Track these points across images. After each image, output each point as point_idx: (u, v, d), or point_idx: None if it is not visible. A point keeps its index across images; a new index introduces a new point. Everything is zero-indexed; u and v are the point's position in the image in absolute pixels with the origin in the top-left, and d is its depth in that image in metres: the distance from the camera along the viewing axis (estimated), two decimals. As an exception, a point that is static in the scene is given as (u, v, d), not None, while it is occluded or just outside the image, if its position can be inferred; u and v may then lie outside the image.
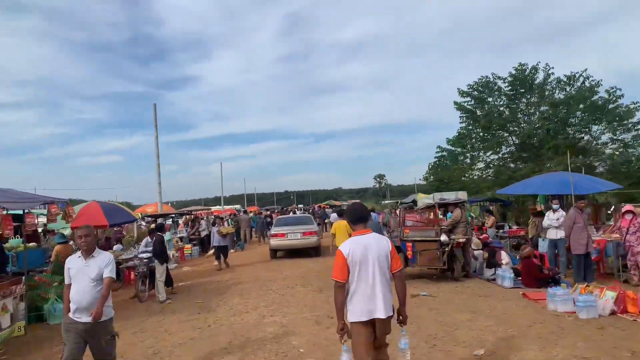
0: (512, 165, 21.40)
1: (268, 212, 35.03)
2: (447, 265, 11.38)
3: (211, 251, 16.75)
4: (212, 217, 27.40)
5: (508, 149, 21.42)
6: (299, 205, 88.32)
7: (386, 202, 70.44)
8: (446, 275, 11.89)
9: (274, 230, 18.66)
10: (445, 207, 13.03)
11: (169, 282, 12.34)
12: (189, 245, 20.37)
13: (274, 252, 18.40)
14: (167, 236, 18.75)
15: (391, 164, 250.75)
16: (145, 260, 12.00)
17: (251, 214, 29.93)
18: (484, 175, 22.20)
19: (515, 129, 20.61)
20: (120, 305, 11.17)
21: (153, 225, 14.07)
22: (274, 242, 18.19)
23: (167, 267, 12.32)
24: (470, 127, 21.51)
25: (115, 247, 15.82)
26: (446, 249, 11.31)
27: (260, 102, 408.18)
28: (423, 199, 13.47)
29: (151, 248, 11.87)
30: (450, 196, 12.67)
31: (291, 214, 36.66)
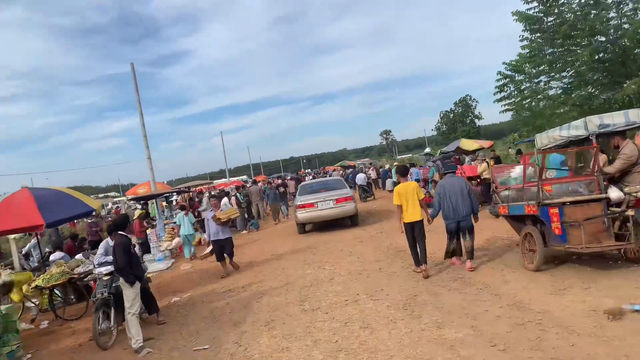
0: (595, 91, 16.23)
1: (280, 181, 29.63)
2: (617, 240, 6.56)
3: (208, 249, 11.24)
4: (215, 192, 22.54)
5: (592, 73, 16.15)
6: (307, 170, 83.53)
7: (423, 153, 65.59)
8: (613, 257, 7.12)
9: (300, 200, 15.16)
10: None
11: (150, 305, 7.64)
12: (198, 237, 15.30)
13: (302, 227, 15.46)
14: (186, 220, 14.08)
15: (395, 119, 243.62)
16: (105, 279, 7.24)
17: (260, 184, 25.04)
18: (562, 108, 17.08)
19: (603, 38, 15.39)
20: (64, 354, 6.56)
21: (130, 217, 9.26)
22: (301, 214, 14.85)
23: (146, 280, 7.64)
24: (540, 42, 16.21)
25: (79, 256, 11.04)
26: (619, 213, 6.46)
27: (257, 69, 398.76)
28: (549, 132, 8.39)
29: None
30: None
31: (307, 179, 31.81)
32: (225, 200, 19.60)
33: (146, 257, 14.04)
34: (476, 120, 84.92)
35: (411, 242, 8.06)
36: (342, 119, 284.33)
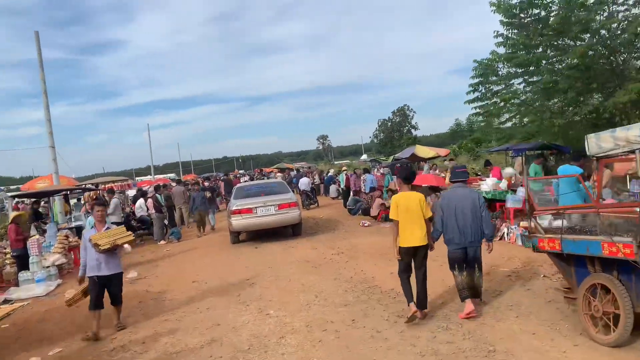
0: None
1: (210, 183, 25.35)
2: None
3: (78, 287, 6.94)
4: (129, 190, 18.93)
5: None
6: (241, 171, 79.74)
7: (362, 159, 63.83)
8: None
9: (235, 204, 12.84)
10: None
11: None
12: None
13: (236, 236, 13.26)
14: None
15: (331, 125, 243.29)
16: None
17: (187, 185, 21.50)
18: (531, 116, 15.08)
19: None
20: None
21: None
22: (237, 221, 12.60)
23: None
24: (517, 39, 14.13)
25: None
26: None
27: (193, 65, 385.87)
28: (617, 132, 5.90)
29: None
30: None
31: (242, 180, 28.55)
32: (140, 202, 16.09)
33: (22, 275, 10.44)
34: (413, 131, 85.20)
35: (405, 275, 5.92)
36: (279, 121, 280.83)
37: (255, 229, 12.87)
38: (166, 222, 16.08)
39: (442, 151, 19.68)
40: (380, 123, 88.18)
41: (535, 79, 14.24)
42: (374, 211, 14.78)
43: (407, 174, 6.47)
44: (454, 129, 66.72)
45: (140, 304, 8.03)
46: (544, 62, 13.04)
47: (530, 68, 13.93)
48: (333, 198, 24.52)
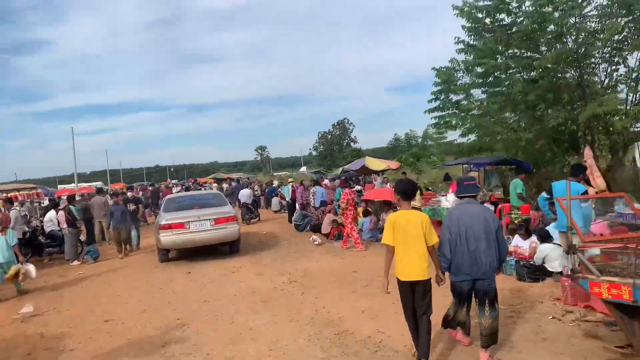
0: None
1: (133, 193, 21.97)
2: None
3: None
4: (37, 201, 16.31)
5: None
6: (174, 181, 75.97)
7: (304, 171, 62.01)
8: None
9: (165, 218, 11.32)
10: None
11: None
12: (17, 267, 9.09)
13: (165, 254, 11.62)
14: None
15: (270, 136, 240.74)
16: None
17: (107, 197, 18.94)
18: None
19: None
20: None
21: None
22: (166, 237, 11.06)
23: None
24: (481, 46, 13.11)
25: None
26: None
27: (127, 70, 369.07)
28: None
29: None
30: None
31: (174, 190, 26.09)
32: (50, 214, 13.59)
33: None
34: (352, 144, 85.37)
35: (412, 319, 4.66)
36: (216, 131, 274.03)
37: (189, 246, 11.26)
38: (82, 238, 13.65)
39: (393, 164, 18.53)
40: (320, 135, 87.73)
41: (499, 88, 13.20)
42: (325, 228, 13.19)
43: (406, 187, 4.95)
44: (393, 144, 67.18)
45: (28, 358, 5.91)
46: (512, 68, 11.97)
47: (497, 74, 12.87)
48: (275, 212, 22.84)
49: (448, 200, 12.64)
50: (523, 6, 12.71)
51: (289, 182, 19.20)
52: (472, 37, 13.86)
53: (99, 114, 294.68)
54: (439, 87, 14.25)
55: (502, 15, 12.97)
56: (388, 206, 14.25)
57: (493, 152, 17.32)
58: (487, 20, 13.21)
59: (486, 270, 4.64)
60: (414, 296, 4.55)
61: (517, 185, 11.18)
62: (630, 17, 11.22)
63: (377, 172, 17.03)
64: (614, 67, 12.84)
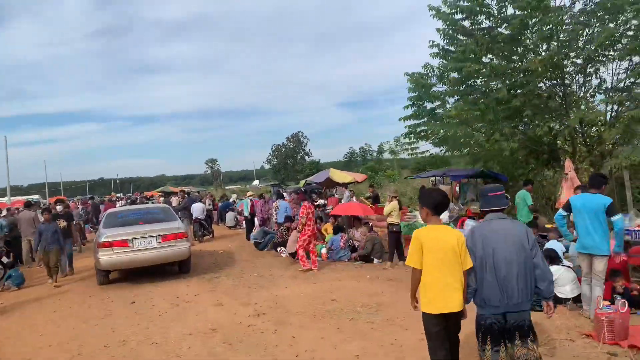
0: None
1: (74, 207, 18.97)
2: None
3: None
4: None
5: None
6: (118, 194, 72.35)
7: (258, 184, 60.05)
8: None
9: (104, 235, 9.90)
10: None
11: None
12: None
13: (106, 275, 10.19)
14: None
15: (220, 149, 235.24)
16: None
17: (38, 212, 16.66)
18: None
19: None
20: None
21: None
22: (106, 256, 9.66)
23: None
24: (460, 48, 12.18)
25: None
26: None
27: (70, 79, 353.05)
28: None
29: None
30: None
31: (118, 204, 23.89)
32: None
33: None
34: (307, 157, 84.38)
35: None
36: (164, 143, 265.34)
37: (133, 266, 9.93)
38: (4, 260, 11.62)
39: (359, 176, 17.37)
40: (274, 148, 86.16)
41: (478, 95, 12.26)
42: (290, 247, 11.76)
43: (438, 199, 3.96)
44: (349, 157, 66.69)
45: None
46: (496, 72, 11.03)
47: (479, 79, 11.92)
48: (230, 227, 21.20)
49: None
50: (505, 11, 11.92)
51: (248, 195, 17.64)
52: (447, 40, 12.98)
53: (37, 123, 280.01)
54: (413, 94, 13.22)
55: (482, 18, 12.12)
56: (358, 222, 13.04)
57: (461, 164, 16.52)
58: (467, 23, 12.33)
59: (519, 301, 3.74)
60: (449, 332, 3.81)
61: (526, 197, 10.28)
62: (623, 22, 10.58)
63: (344, 185, 15.82)
64: (587, 78, 12.31)
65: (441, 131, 12.70)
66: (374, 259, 11.00)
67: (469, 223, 10.74)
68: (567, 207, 6.29)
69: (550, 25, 10.48)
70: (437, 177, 14.77)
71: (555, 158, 13.00)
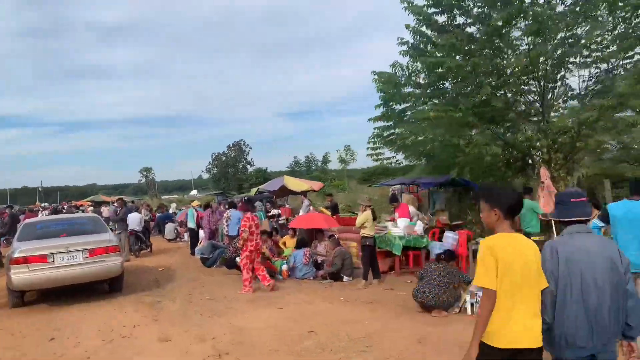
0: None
1: None
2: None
3: None
4: None
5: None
6: (43, 204, 66.99)
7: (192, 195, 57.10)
8: None
9: (18, 249, 8.28)
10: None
11: None
12: None
13: (20, 297, 8.49)
14: None
15: (156, 158, 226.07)
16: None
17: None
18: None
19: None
20: None
21: None
22: (20, 275, 8.01)
23: None
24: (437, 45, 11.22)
25: None
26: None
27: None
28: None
29: None
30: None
31: (42, 215, 21.15)
32: None
33: None
34: (248, 167, 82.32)
35: None
36: (95, 151, 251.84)
37: (52, 286, 8.35)
38: None
39: (316, 184, 16.05)
40: (214, 157, 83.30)
41: (454, 94, 11.30)
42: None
43: (513, 199, 2.93)
44: (293, 167, 65.41)
45: None
46: (479, 69, 10.12)
47: (457, 77, 10.96)
48: (169, 240, 19.23)
49: (398, 226, 10.42)
50: (484, 11, 11.11)
51: (192, 205, 15.84)
52: (418, 38, 12.03)
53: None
54: (382, 93, 12.11)
55: (458, 13, 11.25)
56: (321, 234, 11.68)
57: (417, 172, 15.57)
58: (441, 18, 11.41)
59: (609, 340, 2.93)
60: None
61: (534, 206, 9.33)
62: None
63: (302, 194, 14.43)
64: (553, 85, 11.79)
65: (411, 137, 11.62)
66: (344, 276, 9.66)
67: (451, 235, 9.68)
68: (605, 217, 5.25)
69: (539, 19, 9.65)
70: (403, 185, 13.68)
71: (525, 165, 12.36)
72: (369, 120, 12.08)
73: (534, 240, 3.25)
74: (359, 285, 9.02)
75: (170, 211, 22.00)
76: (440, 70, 10.48)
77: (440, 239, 11.23)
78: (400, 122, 12.06)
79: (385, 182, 13.47)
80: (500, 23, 9.69)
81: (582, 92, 11.95)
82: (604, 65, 11.54)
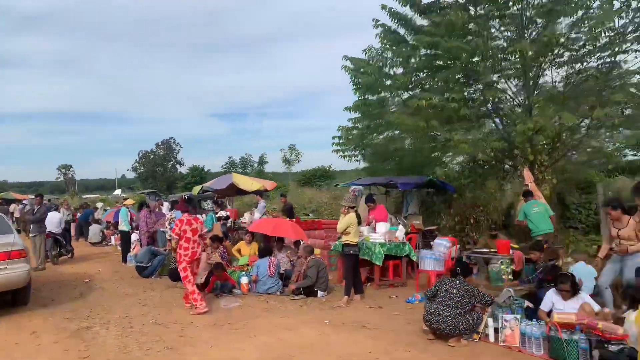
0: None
1: None
2: None
3: None
4: None
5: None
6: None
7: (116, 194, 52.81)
8: None
9: None
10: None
11: None
12: None
13: None
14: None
15: (77, 155, 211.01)
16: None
17: None
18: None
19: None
20: None
21: None
22: None
23: None
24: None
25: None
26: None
27: None
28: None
29: None
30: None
31: None
32: None
33: None
34: (178, 166, 78.44)
35: None
36: (7, 147, 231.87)
37: None
38: None
39: (269, 183, 14.30)
40: (141, 155, 78.57)
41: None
42: (200, 274, 8.34)
43: None
44: (228, 167, 62.64)
45: None
46: (488, 51, 8.91)
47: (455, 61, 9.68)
48: (94, 244, 16.82)
49: (380, 232, 9.00)
50: None
51: (125, 204, 13.60)
52: (397, 21, 10.75)
53: None
54: (354, 77, 10.67)
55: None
56: (281, 241, 9.99)
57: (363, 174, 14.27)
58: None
59: None
60: None
61: (546, 208, 8.46)
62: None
63: (258, 194, 12.62)
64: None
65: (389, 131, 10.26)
66: (319, 291, 8.09)
67: (443, 243, 8.37)
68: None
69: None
70: (372, 186, 12.28)
71: (500, 168, 11.45)
72: (345, 109, 10.62)
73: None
74: (340, 303, 7.49)
75: (97, 211, 19.34)
76: (428, 55, 9.15)
77: (417, 246, 10.04)
78: (379, 113, 10.64)
79: (355, 182, 12.07)
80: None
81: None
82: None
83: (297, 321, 6.56)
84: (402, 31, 10.82)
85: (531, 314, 5.81)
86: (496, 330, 5.66)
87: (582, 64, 10.63)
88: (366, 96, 10.83)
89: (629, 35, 9.83)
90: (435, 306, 5.69)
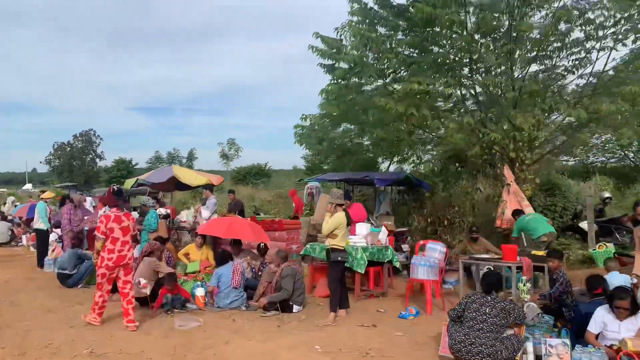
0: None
1: None
2: None
3: None
4: None
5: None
6: None
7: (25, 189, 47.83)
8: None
9: None
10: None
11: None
12: None
13: None
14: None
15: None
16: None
17: None
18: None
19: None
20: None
21: None
22: None
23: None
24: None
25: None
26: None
27: None
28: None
29: None
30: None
31: None
32: None
33: None
34: (97, 160, 73.43)
35: None
36: None
37: None
38: None
39: (215, 178, 12.60)
40: (56, 147, 72.71)
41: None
42: (139, 287, 6.62)
43: None
44: (154, 162, 58.94)
45: None
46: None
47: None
48: (1, 244, 14.49)
49: (361, 234, 7.78)
50: None
51: (43, 197, 11.43)
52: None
53: None
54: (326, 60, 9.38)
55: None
56: (238, 246, 8.47)
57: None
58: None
59: None
60: None
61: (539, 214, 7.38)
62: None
63: (208, 189, 10.91)
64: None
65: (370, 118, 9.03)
66: (294, 305, 6.71)
67: (438, 248, 7.30)
68: None
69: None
70: (341, 182, 10.99)
71: (486, 165, 10.67)
72: (321, 91, 9.24)
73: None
74: (327, 321, 6.17)
75: (6, 206, 16.72)
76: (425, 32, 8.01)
77: (396, 249, 8.97)
78: (354, 99, 9.36)
79: (320, 177, 10.72)
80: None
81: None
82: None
83: (280, 347, 5.17)
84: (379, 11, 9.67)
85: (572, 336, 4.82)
86: (538, 358, 4.60)
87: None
88: (339, 80, 9.53)
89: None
90: (465, 332, 4.54)
